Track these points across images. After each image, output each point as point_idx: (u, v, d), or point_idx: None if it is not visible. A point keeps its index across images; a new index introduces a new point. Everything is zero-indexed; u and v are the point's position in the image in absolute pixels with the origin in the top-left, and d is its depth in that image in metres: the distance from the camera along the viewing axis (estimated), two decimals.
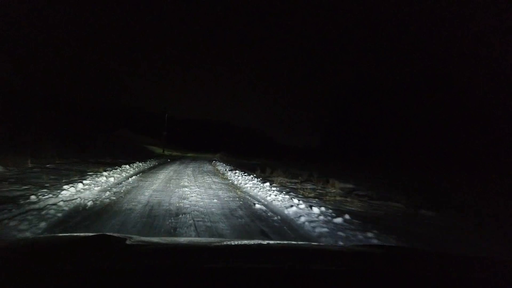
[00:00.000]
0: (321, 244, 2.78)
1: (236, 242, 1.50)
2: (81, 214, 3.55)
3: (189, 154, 31.13)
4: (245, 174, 9.67)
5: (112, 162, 11.96)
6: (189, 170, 10.73)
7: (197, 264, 0.82)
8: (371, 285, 0.73)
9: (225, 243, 1.44)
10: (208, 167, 13.60)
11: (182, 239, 2.20)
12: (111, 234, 1.09)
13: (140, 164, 11.01)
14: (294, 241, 3.04)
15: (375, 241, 3.09)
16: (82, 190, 4.84)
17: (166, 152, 29.34)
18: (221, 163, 15.84)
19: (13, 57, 21.09)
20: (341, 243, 2.99)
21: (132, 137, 38.02)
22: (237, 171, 10.87)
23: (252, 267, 0.79)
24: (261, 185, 7.18)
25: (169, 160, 16.54)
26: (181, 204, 4.48)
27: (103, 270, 0.70)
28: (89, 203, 4.10)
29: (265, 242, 1.79)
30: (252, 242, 1.76)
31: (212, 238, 2.79)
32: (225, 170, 11.77)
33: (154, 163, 13.37)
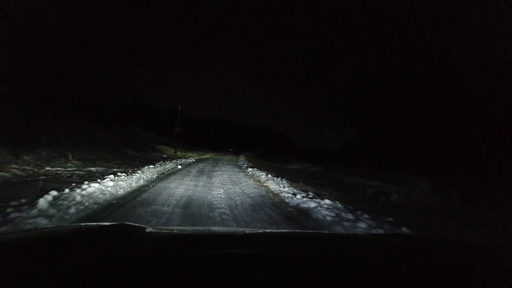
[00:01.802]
0: (338, 232, 2.87)
1: (254, 231, 1.56)
2: None
3: (206, 156, 25.28)
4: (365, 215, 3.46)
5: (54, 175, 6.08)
6: (221, 203, 4.55)
7: (214, 250, 0.82)
8: (388, 271, 0.70)
9: (242, 231, 1.43)
10: (248, 182, 7.43)
11: (201, 228, 2.13)
12: (130, 223, 1.13)
13: (108, 186, 4.91)
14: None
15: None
16: None
17: (179, 153, 23.66)
18: (263, 172, 9.65)
19: (15, 56, 16.61)
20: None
21: (142, 135, 32.93)
22: (326, 201, 4.65)
23: (266, 253, 0.80)
24: None
25: (180, 167, 10.55)
26: None
27: (122, 256, 0.71)
28: None
29: (279, 230, 2.09)
30: (268, 230, 1.96)
31: (232, 228, 2.80)
32: (288, 191, 5.65)
33: (151, 174, 7.33)
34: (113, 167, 8.15)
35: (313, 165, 24.03)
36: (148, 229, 1.03)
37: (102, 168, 7.72)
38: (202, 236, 1.11)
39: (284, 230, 2.13)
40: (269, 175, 8.85)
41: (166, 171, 8.63)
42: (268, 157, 36.39)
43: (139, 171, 7.27)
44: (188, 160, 15.52)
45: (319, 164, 25.08)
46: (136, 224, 1.11)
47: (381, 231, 3.07)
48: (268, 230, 1.85)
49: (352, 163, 29.14)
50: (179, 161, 13.69)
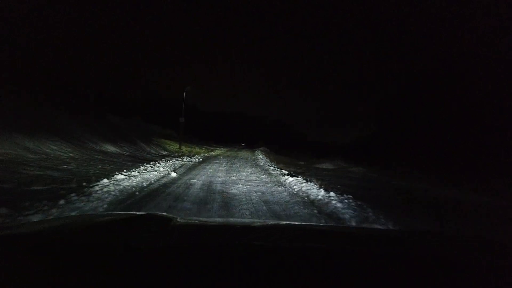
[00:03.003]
0: (354, 226, 2.89)
1: (276, 222, 1.64)
2: None
3: (217, 152, 21.28)
4: None
5: None
6: None
7: (242, 241, 0.85)
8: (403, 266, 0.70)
9: (264, 223, 1.43)
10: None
11: (220, 220, 2.22)
12: (161, 213, 1.15)
13: None
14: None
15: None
16: None
17: (184, 148, 19.77)
18: (320, 190, 5.46)
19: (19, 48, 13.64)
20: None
21: (145, 127, 29.33)
22: None
23: (291, 246, 0.82)
24: None
25: (174, 175, 6.45)
26: None
27: (152, 245, 0.72)
28: None
29: (291, 223, 2.03)
30: (289, 223, 1.88)
31: (254, 219, 2.88)
32: None
33: (87, 208, 3.28)
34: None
35: (346, 163, 19.61)
36: (177, 220, 1.02)
37: None
38: (226, 227, 1.15)
39: (299, 223, 2.23)
40: (332, 194, 4.66)
41: (140, 190, 4.51)
42: (285, 153, 32.06)
43: (62, 200, 3.21)
44: (193, 159, 11.49)
45: (354, 162, 20.64)
46: (165, 214, 1.12)
47: None
48: (283, 222, 1.86)
49: (385, 159, 24.82)
50: (179, 161, 9.67)
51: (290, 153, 33.00)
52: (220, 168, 8.94)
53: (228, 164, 10.72)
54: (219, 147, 29.40)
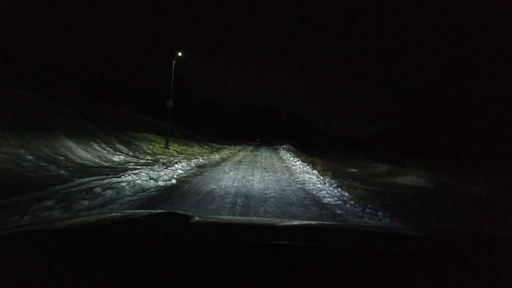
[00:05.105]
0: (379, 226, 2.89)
1: (291, 222, 1.54)
2: None
3: (222, 154, 14.18)
4: None
5: None
6: None
7: (259, 240, 0.83)
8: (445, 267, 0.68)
9: (286, 223, 1.42)
10: None
11: (243, 218, 2.19)
12: (179, 211, 1.14)
13: None
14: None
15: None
16: None
17: (173, 148, 13.01)
18: None
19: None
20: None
21: (136, 118, 23.00)
22: None
23: (307, 245, 0.80)
24: None
25: None
26: None
27: (174, 243, 0.73)
28: None
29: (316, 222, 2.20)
30: (312, 222, 1.95)
31: (275, 219, 2.80)
32: None
33: None
34: None
35: (438, 173, 11.93)
36: (196, 218, 1.02)
37: None
38: (244, 226, 1.10)
39: (327, 222, 2.24)
40: None
41: None
42: (314, 152, 24.58)
43: None
44: (152, 185, 4.56)
45: (443, 169, 12.90)
46: (184, 212, 1.11)
47: None
48: (305, 222, 1.83)
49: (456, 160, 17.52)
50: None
51: (321, 152, 25.53)
52: None
53: (239, 206, 3.63)
54: (229, 145, 22.35)
